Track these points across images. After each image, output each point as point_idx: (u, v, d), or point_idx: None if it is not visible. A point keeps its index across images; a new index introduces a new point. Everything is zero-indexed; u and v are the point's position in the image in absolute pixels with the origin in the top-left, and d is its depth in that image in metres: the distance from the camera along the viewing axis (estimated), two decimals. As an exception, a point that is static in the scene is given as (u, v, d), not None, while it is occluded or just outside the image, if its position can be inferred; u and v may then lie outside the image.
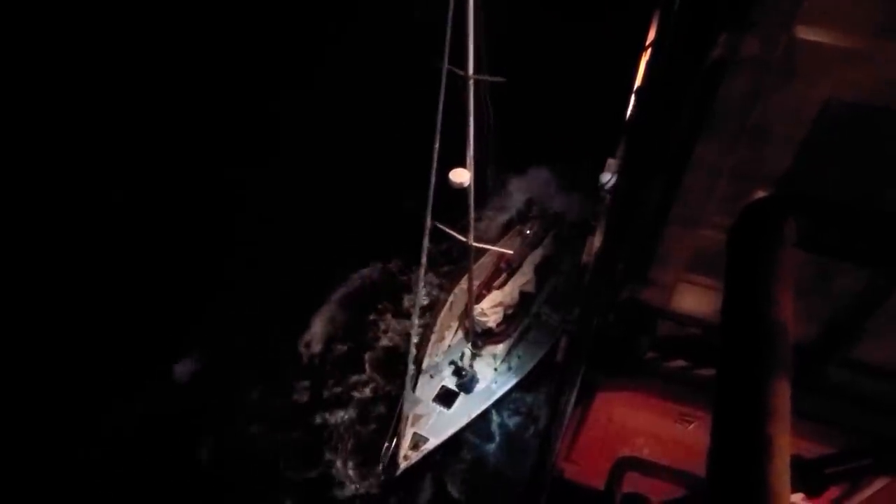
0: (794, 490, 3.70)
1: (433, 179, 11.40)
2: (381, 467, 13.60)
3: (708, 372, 5.54)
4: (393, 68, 23.13)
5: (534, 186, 20.57)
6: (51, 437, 16.02)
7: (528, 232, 17.97)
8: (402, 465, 13.19)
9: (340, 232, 19.83)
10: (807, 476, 3.84)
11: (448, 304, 16.35)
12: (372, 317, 18.27)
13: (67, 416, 16.29)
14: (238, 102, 24.22)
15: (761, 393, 2.06)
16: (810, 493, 3.84)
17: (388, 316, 18.26)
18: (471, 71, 9.89)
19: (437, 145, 11.03)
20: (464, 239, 12.81)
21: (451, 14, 9.11)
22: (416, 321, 14.19)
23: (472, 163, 11.41)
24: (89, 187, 21.56)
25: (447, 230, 12.72)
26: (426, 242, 12.42)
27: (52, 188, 21.48)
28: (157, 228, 20.54)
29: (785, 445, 1.99)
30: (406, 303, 18.46)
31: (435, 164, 11.17)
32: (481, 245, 13.82)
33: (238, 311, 18.43)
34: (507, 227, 18.60)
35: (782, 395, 2.09)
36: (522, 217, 19.50)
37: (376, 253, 19.51)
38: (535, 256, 16.69)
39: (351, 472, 15.18)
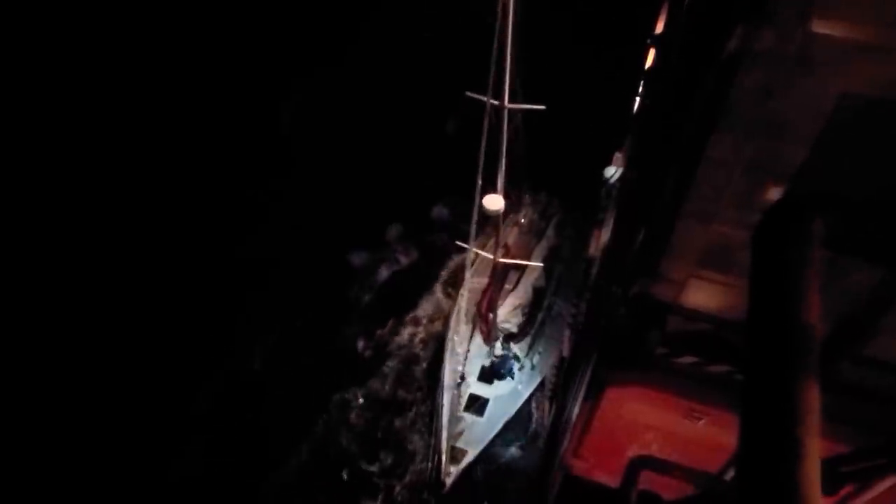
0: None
1: (475, 215, 11.68)
2: (427, 489, 13.65)
3: (718, 368, 5.51)
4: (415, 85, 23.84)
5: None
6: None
7: (522, 220, 17.86)
8: (448, 482, 13.08)
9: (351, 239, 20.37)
10: (821, 475, 3.80)
11: (456, 312, 16.29)
12: (387, 333, 18.21)
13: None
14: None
15: (790, 395, 2.01)
16: (824, 492, 3.79)
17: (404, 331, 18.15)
18: (506, 101, 9.95)
19: (479, 182, 11.27)
20: (491, 256, 13.17)
21: (495, 46, 9.17)
22: (453, 338, 14.35)
23: (502, 188, 11.48)
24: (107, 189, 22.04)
25: (477, 251, 13.41)
26: (469, 267, 13.15)
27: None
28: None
29: (815, 448, 1.96)
30: (421, 312, 18.27)
31: (477, 201, 11.34)
32: (508, 261, 14.05)
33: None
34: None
35: (811, 398, 2.05)
36: (514, 205, 19.45)
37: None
38: (541, 248, 16.71)
39: (400, 499, 14.88)
